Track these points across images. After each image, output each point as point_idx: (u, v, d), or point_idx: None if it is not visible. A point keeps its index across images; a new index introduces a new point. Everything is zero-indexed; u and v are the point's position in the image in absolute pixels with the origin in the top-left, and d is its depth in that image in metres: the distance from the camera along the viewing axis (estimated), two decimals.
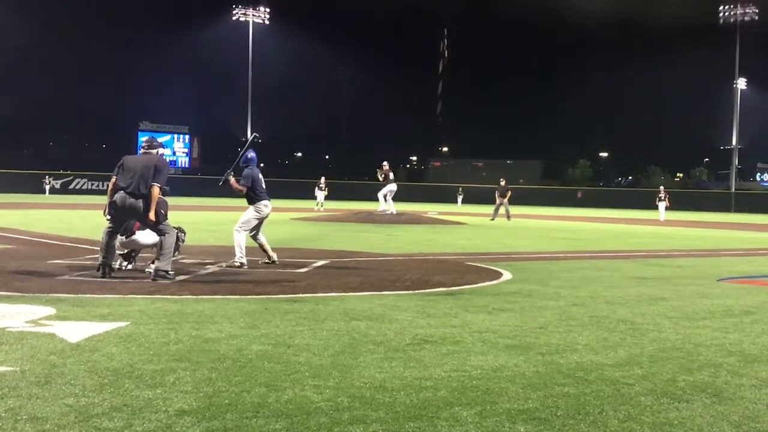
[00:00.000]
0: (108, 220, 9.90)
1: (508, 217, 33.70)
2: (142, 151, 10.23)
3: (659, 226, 32.79)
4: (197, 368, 5.00)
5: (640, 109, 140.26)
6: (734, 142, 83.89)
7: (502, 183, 35.00)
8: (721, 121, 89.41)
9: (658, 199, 42.26)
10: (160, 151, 10.68)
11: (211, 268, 10.89)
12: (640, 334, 6.75)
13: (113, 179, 9.83)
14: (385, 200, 29.36)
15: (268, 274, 10.40)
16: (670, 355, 5.89)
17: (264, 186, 11.73)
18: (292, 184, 77.40)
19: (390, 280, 10.13)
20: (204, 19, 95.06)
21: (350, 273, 10.87)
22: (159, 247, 9.70)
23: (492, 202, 36.09)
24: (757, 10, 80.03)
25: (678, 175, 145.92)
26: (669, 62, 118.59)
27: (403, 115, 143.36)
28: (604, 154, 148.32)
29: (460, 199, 66.72)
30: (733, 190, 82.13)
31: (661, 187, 45.66)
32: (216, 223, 24.12)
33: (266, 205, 11.71)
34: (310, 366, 5.15)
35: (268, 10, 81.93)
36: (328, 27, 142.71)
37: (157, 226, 9.70)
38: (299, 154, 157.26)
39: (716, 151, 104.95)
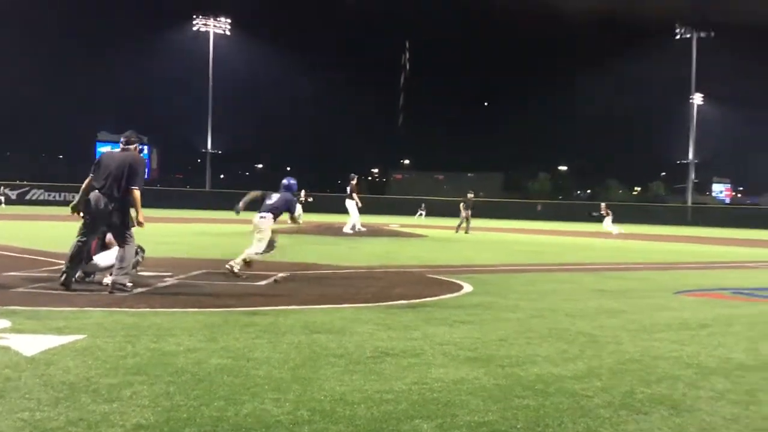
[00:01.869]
0: (83, 218, 9.52)
1: (467, 230, 33.70)
2: (120, 147, 9.77)
3: (617, 240, 33.14)
4: (155, 382, 4.94)
5: (599, 124, 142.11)
6: (690, 156, 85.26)
7: (470, 196, 35.11)
8: (678, 136, 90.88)
9: (600, 215, 43.10)
10: (139, 147, 10.07)
11: (170, 281, 10.77)
12: (599, 346, 6.81)
13: (89, 178, 9.48)
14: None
15: (227, 287, 10.31)
16: (629, 367, 5.94)
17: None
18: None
19: (351, 292, 10.11)
20: (164, 29, 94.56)
21: (311, 285, 10.82)
22: (119, 259, 9.42)
23: (455, 215, 36.13)
24: (712, 29, 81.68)
25: (636, 188, 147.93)
26: (628, 77, 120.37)
27: (364, 128, 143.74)
28: (564, 168, 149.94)
29: (421, 212, 66.40)
30: (689, 203, 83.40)
31: (602, 204, 46.71)
32: (175, 235, 23.92)
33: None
34: (270, 379, 5.11)
35: (229, 20, 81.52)
36: (290, 38, 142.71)
37: (125, 233, 9.43)
38: (260, 166, 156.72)
39: (673, 166, 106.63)
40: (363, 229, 27.41)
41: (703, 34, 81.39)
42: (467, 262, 16.86)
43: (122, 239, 9.47)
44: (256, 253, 11.91)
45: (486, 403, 4.71)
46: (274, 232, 12.28)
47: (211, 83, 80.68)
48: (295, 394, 4.77)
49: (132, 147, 9.74)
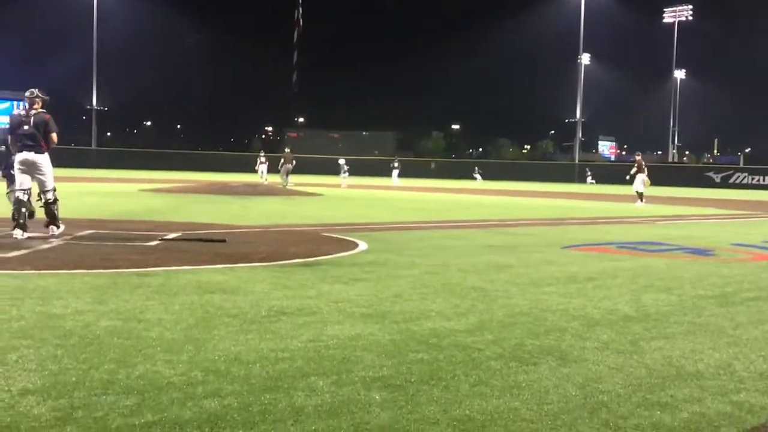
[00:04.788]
0: None
1: (286, 184, 34.72)
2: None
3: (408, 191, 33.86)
4: (42, 345, 4.78)
5: (491, 83, 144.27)
6: (578, 115, 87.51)
7: (287, 150, 36.53)
8: (567, 95, 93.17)
9: (392, 166, 47.01)
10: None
11: (55, 242, 10.40)
12: (490, 300, 6.97)
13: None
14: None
15: (115, 248, 10.03)
16: (518, 320, 6.10)
17: None
18: (142, 155, 75.04)
19: (245, 252, 10.00)
20: None
21: (204, 245, 10.63)
22: None
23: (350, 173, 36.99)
24: None
25: (526, 146, 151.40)
26: (518, 37, 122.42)
27: (258, 85, 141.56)
28: (456, 127, 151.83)
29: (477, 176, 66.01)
30: (577, 161, 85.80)
31: (395, 157, 51.15)
32: (60, 195, 23.06)
33: None
34: (162, 340, 5.02)
35: None
36: None
37: None
38: (148, 123, 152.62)
39: (561, 124, 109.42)
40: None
41: None
42: (362, 220, 16.93)
43: None
44: None
45: (381, 359, 4.75)
46: None
47: (95, 37, 77.58)
48: (188, 354, 4.70)
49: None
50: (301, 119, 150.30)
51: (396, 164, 48.82)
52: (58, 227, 11.02)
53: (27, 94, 11.18)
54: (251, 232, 12.99)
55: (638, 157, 29.06)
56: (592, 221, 19.18)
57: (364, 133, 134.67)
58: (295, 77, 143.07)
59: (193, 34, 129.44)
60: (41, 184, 11.17)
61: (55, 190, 11.29)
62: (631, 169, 28.61)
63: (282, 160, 38.24)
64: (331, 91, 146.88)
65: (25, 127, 10.97)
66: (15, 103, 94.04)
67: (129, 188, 28.98)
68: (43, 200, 11.11)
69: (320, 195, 29.03)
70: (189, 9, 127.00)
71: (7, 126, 11.46)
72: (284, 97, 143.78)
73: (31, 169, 11.04)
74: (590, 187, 50.77)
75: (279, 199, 25.65)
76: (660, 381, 4.48)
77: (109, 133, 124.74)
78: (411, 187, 42.24)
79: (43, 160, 11.14)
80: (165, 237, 11.24)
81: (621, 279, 8.61)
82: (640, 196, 27.50)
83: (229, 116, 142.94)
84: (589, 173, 67.83)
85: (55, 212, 11.12)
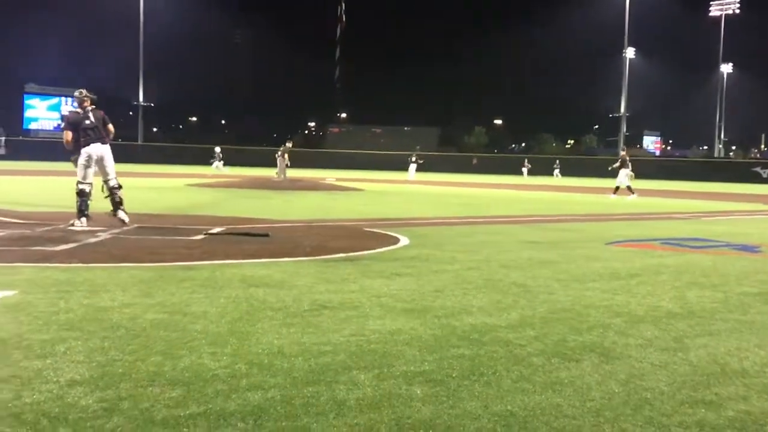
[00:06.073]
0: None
1: (284, 177, 34.60)
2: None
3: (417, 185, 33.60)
4: (89, 337, 4.88)
5: (534, 78, 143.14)
6: (623, 110, 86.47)
7: (289, 145, 36.53)
8: (611, 90, 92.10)
9: (410, 160, 48.06)
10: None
11: (102, 236, 10.57)
12: (532, 296, 6.94)
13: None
14: None
15: (161, 242, 10.17)
16: (561, 316, 6.07)
17: None
18: (187, 150, 75.79)
19: (288, 246, 10.06)
20: None
21: (248, 240, 10.73)
22: None
23: (393, 167, 36.83)
24: None
25: (569, 141, 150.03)
26: (563, 33, 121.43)
27: (301, 81, 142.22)
28: (499, 122, 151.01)
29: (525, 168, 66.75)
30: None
31: (414, 151, 52.98)
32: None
33: None
34: (207, 333, 5.09)
35: None
36: None
37: None
38: (194, 119, 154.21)
39: (605, 119, 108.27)
40: None
41: None
42: (404, 215, 16.95)
43: None
44: None
45: (422, 353, 4.77)
46: None
47: (141, 33, 78.62)
48: (232, 347, 4.76)
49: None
50: (344, 115, 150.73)
51: (414, 158, 49.00)
52: (126, 212, 11.75)
53: (76, 94, 12.20)
54: (294, 227, 13.07)
55: (623, 153, 30.21)
56: (636, 217, 18.96)
57: (405, 128, 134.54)
58: (337, 73, 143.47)
59: (237, 31, 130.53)
60: (105, 174, 12.02)
61: (116, 178, 12.16)
62: (615, 163, 29.96)
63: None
64: (373, 87, 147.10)
65: (87, 122, 11.92)
66: (63, 99, 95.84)
67: (174, 183, 29.30)
68: (107, 188, 11.98)
69: (362, 190, 29.09)
70: (233, 5, 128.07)
71: (65, 124, 12.51)
72: (327, 93, 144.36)
73: (98, 160, 11.94)
74: (634, 182, 50.36)
75: (321, 194, 25.76)
76: (705, 378, 4.43)
77: (155, 129, 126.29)
78: (453, 182, 42.13)
79: (108, 150, 12.09)
80: (210, 231, 11.37)
81: (665, 275, 8.52)
82: (616, 189, 28.88)
83: (272, 112, 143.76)
84: (557, 166, 67.24)
85: (122, 197, 11.96)
